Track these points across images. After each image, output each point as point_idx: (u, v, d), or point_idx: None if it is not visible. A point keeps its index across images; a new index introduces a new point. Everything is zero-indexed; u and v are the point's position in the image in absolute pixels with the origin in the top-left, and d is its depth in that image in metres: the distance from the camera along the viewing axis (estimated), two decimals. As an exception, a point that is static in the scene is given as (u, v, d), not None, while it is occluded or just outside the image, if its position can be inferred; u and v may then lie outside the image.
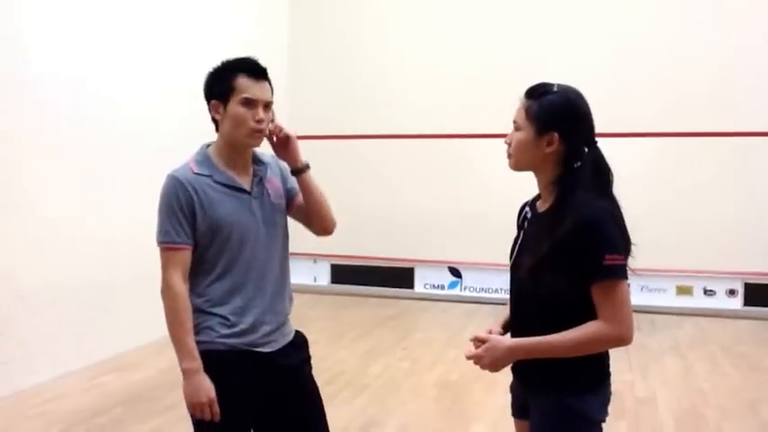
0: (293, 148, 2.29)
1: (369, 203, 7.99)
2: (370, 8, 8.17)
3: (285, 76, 8.10)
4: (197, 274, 2.21)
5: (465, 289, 7.83)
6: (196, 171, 2.21)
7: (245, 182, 2.26)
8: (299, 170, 2.30)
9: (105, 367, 5.23)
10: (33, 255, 4.81)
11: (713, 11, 7.05)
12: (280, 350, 2.30)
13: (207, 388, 2.13)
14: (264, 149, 2.36)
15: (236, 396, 2.18)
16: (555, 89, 1.95)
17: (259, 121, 2.18)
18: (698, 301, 7.17)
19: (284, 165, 2.41)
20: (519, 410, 2.14)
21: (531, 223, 2.06)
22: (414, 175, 7.91)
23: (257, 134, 2.20)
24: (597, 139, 1.96)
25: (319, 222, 2.39)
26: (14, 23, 4.71)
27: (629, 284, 1.88)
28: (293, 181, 2.36)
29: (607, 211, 1.87)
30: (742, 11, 6.97)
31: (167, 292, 2.17)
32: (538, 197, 2.09)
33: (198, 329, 2.20)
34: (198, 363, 2.14)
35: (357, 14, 8.19)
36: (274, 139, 2.28)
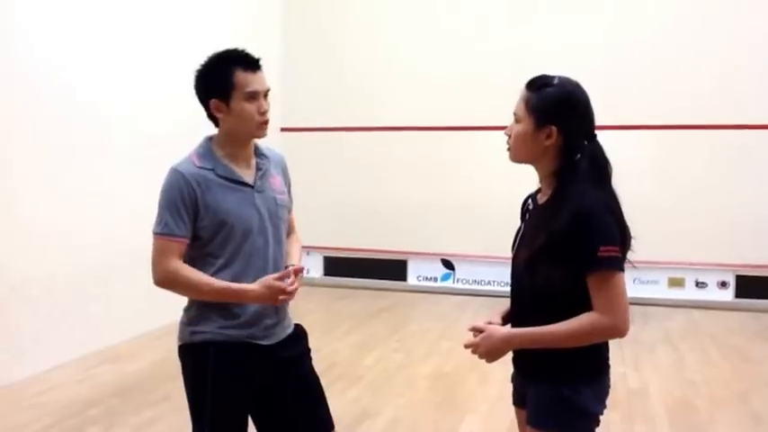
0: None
1: (362, 196, 7.98)
2: (362, 2, 8.14)
3: (278, 70, 8.06)
4: (200, 266, 2.21)
5: (458, 281, 7.84)
6: (198, 164, 2.21)
7: (247, 175, 2.27)
8: None
9: (99, 358, 5.22)
10: (26, 245, 4.78)
11: (714, 3, 7.05)
12: (279, 343, 2.30)
13: (259, 283, 2.15)
14: (268, 143, 2.37)
15: (235, 386, 2.20)
16: (555, 82, 1.95)
17: (263, 113, 2.21)
18: (690, 293, 7.20)
19: (285, 162, 2.46)
20: (519, 399, 2.15)
21: (532, 215, 2.07)
22: (407, 167, 7.89)
23: (264, 126, 2.24)
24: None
25: None
26: (5, 17, 4.66)
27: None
28: (288, 188, 2.44)
29: (602, 202, 1.87)
30: (742, 4, 6.98)
31: (171, 276, 2.15)
32: (540, 189, 2.09)
33: (199, 320, 2.22)
34: (245, 286, 2.16)
35: (349, 9, 8.15)
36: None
